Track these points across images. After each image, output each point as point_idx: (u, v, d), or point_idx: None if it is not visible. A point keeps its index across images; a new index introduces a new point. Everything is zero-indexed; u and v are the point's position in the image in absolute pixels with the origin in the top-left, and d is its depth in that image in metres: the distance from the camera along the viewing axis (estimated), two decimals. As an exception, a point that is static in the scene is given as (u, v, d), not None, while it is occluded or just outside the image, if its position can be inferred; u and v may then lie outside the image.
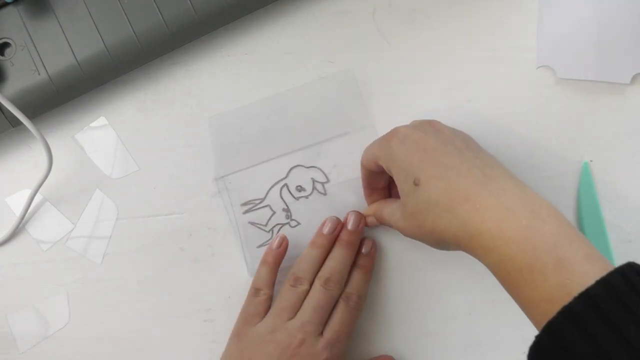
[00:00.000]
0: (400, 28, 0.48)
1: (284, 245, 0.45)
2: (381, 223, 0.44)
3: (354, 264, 0.45)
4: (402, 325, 0.47)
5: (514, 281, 0.33)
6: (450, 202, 0.35)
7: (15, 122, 0.45)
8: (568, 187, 0.47)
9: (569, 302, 0.30)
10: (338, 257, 0.44)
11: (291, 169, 0.47)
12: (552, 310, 0.30)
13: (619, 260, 0.46)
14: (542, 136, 0.47)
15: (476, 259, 0.47)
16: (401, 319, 0.47)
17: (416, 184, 0.37)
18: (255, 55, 0.48)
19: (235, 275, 0.47)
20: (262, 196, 0.47)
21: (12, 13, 0.45)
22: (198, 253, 0.47)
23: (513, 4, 0.48)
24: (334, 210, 0.46)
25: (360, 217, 0.45)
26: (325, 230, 0.44)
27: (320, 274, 0.43)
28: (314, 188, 0.47)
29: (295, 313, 0.42)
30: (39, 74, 0.45)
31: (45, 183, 0.46)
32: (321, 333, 0.42)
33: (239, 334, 0.43)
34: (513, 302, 0.46)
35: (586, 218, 0.46)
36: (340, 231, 0.45)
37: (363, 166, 0.44)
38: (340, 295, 0.43)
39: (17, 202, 0.48)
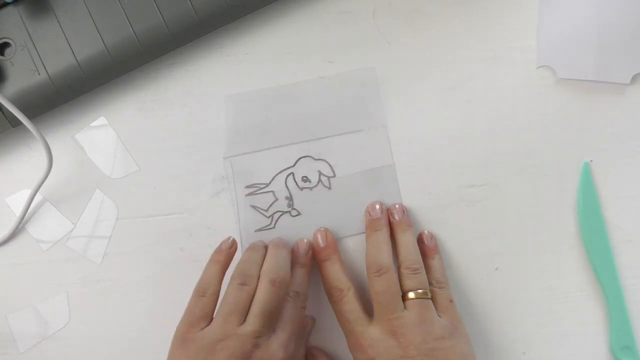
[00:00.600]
0: (400, 28, 0.48)
1: (234, 247, 0.45)
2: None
3: (294, 263, 0.44)
4: (402, 325, 0.47)
5: None
6: None
7: (15, 122, 0.45)
8: (568, 187, 0.47)
9: None
10: (276, 255, 0.43)
11: (299, 158, 0.47)
12: None
13: (619, 260, 0.46)
14: (542, 136, 0.47)
15: (476, 260, 0.47)
16: (401, 319, 0.47)
17: None
18: (255, 55, 0.48)
19: (235, 275, 0.47)
20: (267, 181, 0.47)
21: (12, 13, 0.45)
22: (198, 253, 0.47)
23: (513, 4, 0.48)
24: (337, 205, 0.46)
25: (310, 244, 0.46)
26: (261, 243, 0.45)
27: (264, 271, 0.42)
28: (319, 180, 0.47)
29: (245, 316, 0.40)
30: (39, 74, 0.45)
31: (45, 183, 0.46)
32: (274, 331, 0.41)
33: (184, 339, 0.40)
34: (512, 303, 0.46)
35: (586, 218, 0.46)
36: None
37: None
38: (286, 293, 0.43)
39: (17, 202, 0.48)
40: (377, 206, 0.45)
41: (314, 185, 0.47)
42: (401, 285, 0.42)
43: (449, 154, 0.47)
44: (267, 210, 0.47)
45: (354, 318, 0.42)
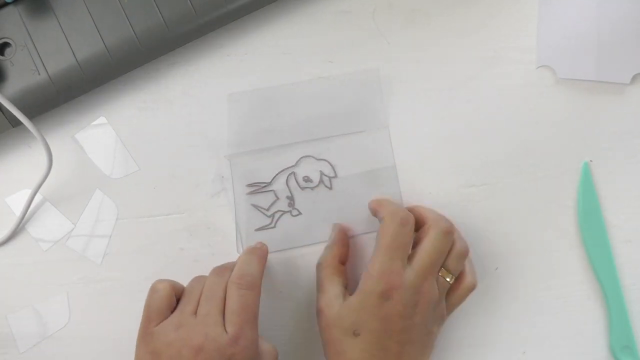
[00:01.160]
0: (400, 28, 0.48)
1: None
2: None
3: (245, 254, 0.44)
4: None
5: None
6: None
7: (15, 122, 0.45)
8: (568, 187, 0.47)
9: None
10: (239, 257, 0.43)
11: (301, 158, 0.47)
12: None
13: (619, 260, 0.46)
14: (542, 136, 0.47)
15: (476, 260, 0.47)
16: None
17: (355, 335, 0.40)
18: (255, 55, 0.48)
19: (235, 275, 0.47)
20: (268, 180, 0.47)
21: (12, 13, 0.45)
22: (198, 253, 0.47)
23: (513, 4, 0.48)
24: (338, 206, 0.46)
25: (260, 244, 0.45)
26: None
27: (214, 267, 0.43)
28: (320, 181, 0.47)
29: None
30: (39, 74, 0.45)
31: (45, 183, 0.46)
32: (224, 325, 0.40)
33: (145, 334, 0.40)
34: (513, 302, 0.46)
35: (586, 218, 0.46)
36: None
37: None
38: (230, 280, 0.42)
39: (17, 202, 0.48)
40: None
41: (315, 185, 0.47)
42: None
43: (449, 154, 0.47)
44: (267, 210, 0.47)
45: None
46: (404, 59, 0.48)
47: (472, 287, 0.43)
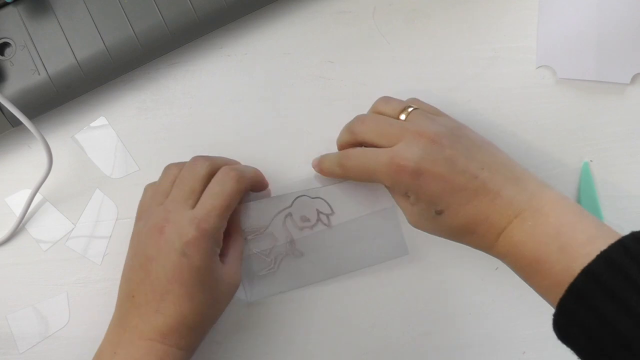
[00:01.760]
0: (400, 28, 0.48)
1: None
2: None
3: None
4: (402, 325, 0.47)
5: (528, 274, 0.38)
6: (471, 225, 0.39)
7: (15, 122, 0.45)
8: (568, 187, 0.47)
9: (572, 282, 0.33)
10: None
11: (296, 198, 0.46)
12: (561, 292, 0.34)
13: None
14: (542, 136, 0.47)
15: (476, 260, 0.47)
16: (400, 319, 0.47)
17: (438, 213, 0.39)
18: (255, 55, 0.48)
19: (235, 275, 0.47)
20: (266, 224, 0.46)
21: (12, 13, 0.45)
22: (198, 253, 0.47)
23: (513, 4, 0.48)
24: (338, 243, 0.46)
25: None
26: None
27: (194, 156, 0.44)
28: (318, 219, 0.46)
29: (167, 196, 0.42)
30: (39, 74, 0.45)
31: (45, 183, 0.46)
32: (193, 206, 0.40)
33: (139, 212, 0.43)
34: (513, 302, 0.46)
35: None
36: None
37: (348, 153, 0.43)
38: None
39: (17, 202, 0.48)
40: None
41: (313, 224, 0.46)
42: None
43: (449, 154, 0.47)
44: (269, 254, 0.46)
45: (371, 155, 0.41)
46: (404, 59, 0.48)
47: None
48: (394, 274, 0.47)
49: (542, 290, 0.37)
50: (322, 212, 0.46)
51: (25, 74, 0.45)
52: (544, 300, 0.46)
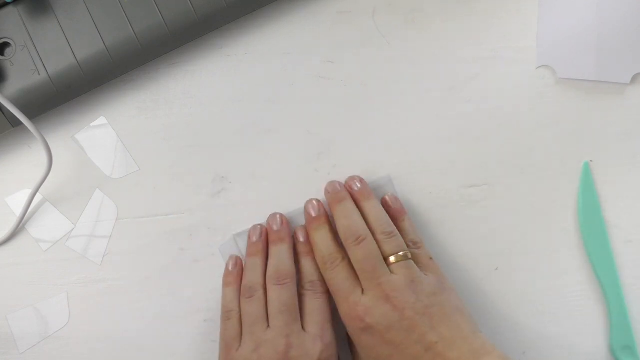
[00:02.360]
0: (400, 28, 0.48)
1: (239, 264, 0.45)
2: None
3: (298, 253, 0.45)
4: (402, 325, 0.47)
5: None
6: None
7: (15, 122, 0.45)
8: (568, 187, 0.47)
9: None
10: (275, 254, 0.44)
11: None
12: None
13: (619, 260, 0.46)
14: (542, 136, 0.47)
15: (476, 260, 0.47)
16: (401, 319, 0.47)
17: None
18: (255, 55, 0.48)
19: (235, 275, 0.47)
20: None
21: (12, 13, 0.45)
22: (198, 253, 0.47)
23: (513, 4, 0.48)
24: None
25: (279, 216, 0.46)
26: (254, 238, 0.45)
27: (268, 276, 0.43)
28: None
29: (267, 321, 0.41)
30: (39, 74, 0.45)
31: (45, 183, 0.46)
32: (304, 328, 0.41)
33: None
34: (513, 302, 0.46)
35: (586, 218, 0.46)
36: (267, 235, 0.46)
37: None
38: (301, 287, 0.43)
39: (17, 202, 0.48)
40: (336, 183, 0.45)
41: None
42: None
43: (449, 154, 0.47)
44: None
45: (347, 286, 0.41)
46: (404, 59, 0.48)
47: (418, 240, 0.44)
48: (394, 274, 0.47)
49: None
50: None
51: (25, 74, 0.45)
52: (544, 300, 0.46)
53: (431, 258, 0.43)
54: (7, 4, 0.45)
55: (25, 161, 0.48)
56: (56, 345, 0.47)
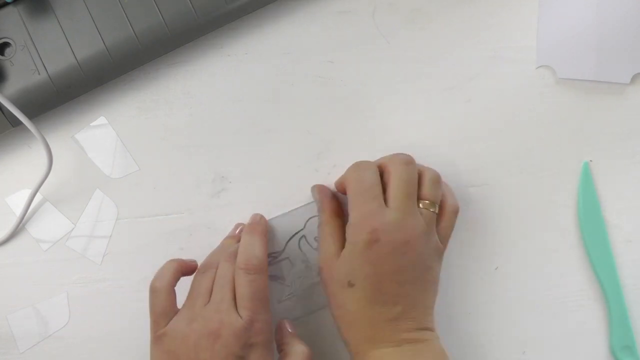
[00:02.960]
0: (400, 28, 0.48)
1: (193, 263, 0.45)
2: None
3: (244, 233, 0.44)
4: (402, 325, 0.47)
5: None
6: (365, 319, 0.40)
7: (15, 122, 0.45)
8: (568, 187, 0.47)
9: None
10: (244, 241, 0.43)
11: (309, 219, 0.46)
12: None
13: (619, 260, 0.46)
14: (542, 136, 0.47)
15: (476, 260, 0.47)
16: (401, 319, 0.47)
17: (349, 285, 0.40)
18: (255, 55, 0.48)
19: (235, 275, 0.47)
20: (280, 249, 0.46)
21: (12, 13, 0.45)
22: (198, 253, 0.47)
23: (513, 4, 0.48)
24: None
25: (259, 216, 0.46)
26: (235, 232, 0.46)
27: (223, 255, 0.43)
28: None
29: (210, 297, 0.41)
30: (39, 74, 0.45)
31: (45, 183, 0.46)
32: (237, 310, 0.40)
33: (156, 337, 0.40)
34: (513, 302, 0.46)
35: (586, 218, 0.46)
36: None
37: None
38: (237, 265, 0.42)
39: (17, 202, 0.48)
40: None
41: None
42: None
43: (449, 154, 0.47)
44: (285, 279, 0.46)
45: (373, 193, 0.41)
46: (404, 59, 0.48)
47: (456, 210, 0.43)
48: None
49: None
50: None
51: (25, 74, 0.45)
52: (544, 300, 0.46)
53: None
54: (7, 4, 0.45)
55: (25, 161, 0.48)
56: (56, 345, 0.47)
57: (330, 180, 0.47)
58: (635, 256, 0.46)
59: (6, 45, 0.45)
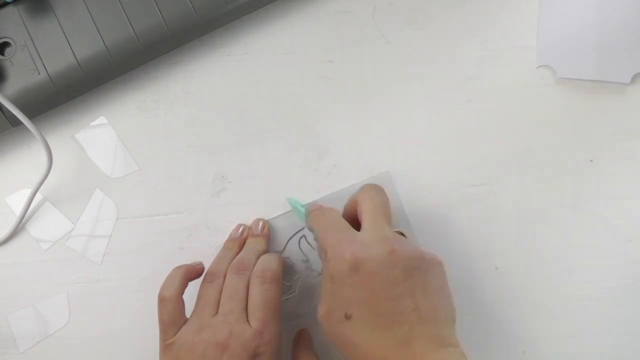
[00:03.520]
0: (400, 28, 0.48)
1: (244, 233, 0.46)
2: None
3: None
4: (402, 325, 0.47)
5: None
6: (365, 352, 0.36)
7: (15, 122, 0.45)
8: (568, 187, 0.47)
9: None
10: (247, 247, 0.45)
11: None
12: None
13: (619, 260, 0.46)
14: (542, 136, 0.47)
15: (476, 260, 0.47)
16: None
17: (347, 318, 0.36)
18: (255, 55, 0.48)
19: (235, 275, 0.47)
20: (280, 248, 0.46)
21: (12, 13, 0.45)
22: (198, 253, 0.47)
23: (513, 4, 0.48)
24: None
25: (262, 222, 0.46)
26: (233, 234, 0.46)
27: (232, 264, 0.43)
28: None
29: (217, 308, 0.41)
30: (39, 74, 0.45)
31: (45, 183, 0.46)
32: (247, 321, 0.40)
33: (165, 346, 0.40)
34: (513, 302, 0.46)
35: None
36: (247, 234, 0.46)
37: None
38: (252, 275, 0.42)
39: (17, 202, 0.48)
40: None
41: None
42: None
43: (449, 154, 0.47)
44: (287, 279, 0.46)
45: (343, 225, 0.40)
46: (404, 59, 0.48)
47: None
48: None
49: None
50: None
51: (25, 73, 0.45)
52: (544, 300, 0.46)
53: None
54: (7, 3, 0.45)
55: (25, 161, 0.48)
56: (56, 345, 0.47)
57: (330, 180, 0.47)
58: (635, 256, 0.46)
59: (6, 45, 0.45)
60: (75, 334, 0.47)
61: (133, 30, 0.45)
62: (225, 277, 0.42)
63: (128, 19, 0.45)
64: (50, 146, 0.45)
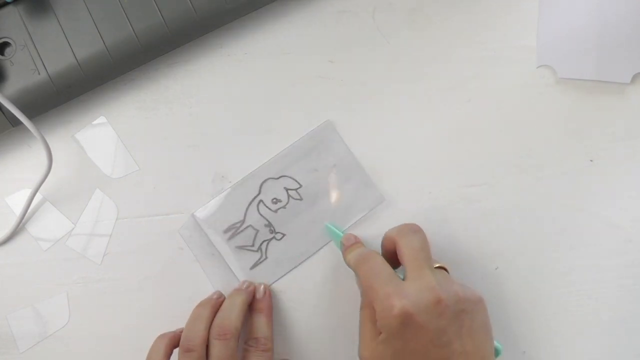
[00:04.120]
0: (400, 28, 0.48)
1: (220, 298, 0.45)
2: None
3: (252, 311, 0.45)
4: (402, 325, 0.47)
5: None
6: None
7: (15, 122, 0.45)
8: (568, 187, 0.47)
9: None
10: (227, 306, 0.43)
11: (262, 183, 0.47)
12: None
13: (619, 260, 0.46)
14: (542, 136, 0.47)
15: (476, 260, 0.47)
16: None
17: None
18: (255, 55, 0.48)
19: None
20: (241, 218, 0.47)
21: (12, 13, 0.45)
22: (198, 253, 0.47)
23: (513, 4, 0.48)
24: (315, 212, 0.46)
25: (264, 285, 0.46)
26: (214, 296, 0.45)
27: (212, 326, 0.42)
28: (289, 196, 0.47)
29: None
30: (39, 74, 0.45)
31: (45, 183, 0.46)
32: None
33: None
34: (512, 302, 0.46)
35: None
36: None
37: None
38: (245, 342, 0.43)
39: (17, 202, 0.48)
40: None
41: (285, 202, 0.47)
42: None
43: (449, 154, 0.47)
44: (253, 245, 0.46)
45: (386, 274, 0.39)
46: (404, 59, 0.48)
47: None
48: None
49: None
50: (290, 189, 0.47)
51: (25, 73, 0.45)
52: (544, 300, 0.46)
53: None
54: (7, 3, 0.45)
55: (25, 161, 0.48)
56: (56, 345, 0.47)
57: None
58: (635, 256, 0.46)
59: (6, 45, 0.45)
60: (75, 334, 0.47)
61: (133, 30, 0.45)
62: (205, 343, 0.41)
63: (128, 19, 0.45)
64: (50, 146, 0.45)
